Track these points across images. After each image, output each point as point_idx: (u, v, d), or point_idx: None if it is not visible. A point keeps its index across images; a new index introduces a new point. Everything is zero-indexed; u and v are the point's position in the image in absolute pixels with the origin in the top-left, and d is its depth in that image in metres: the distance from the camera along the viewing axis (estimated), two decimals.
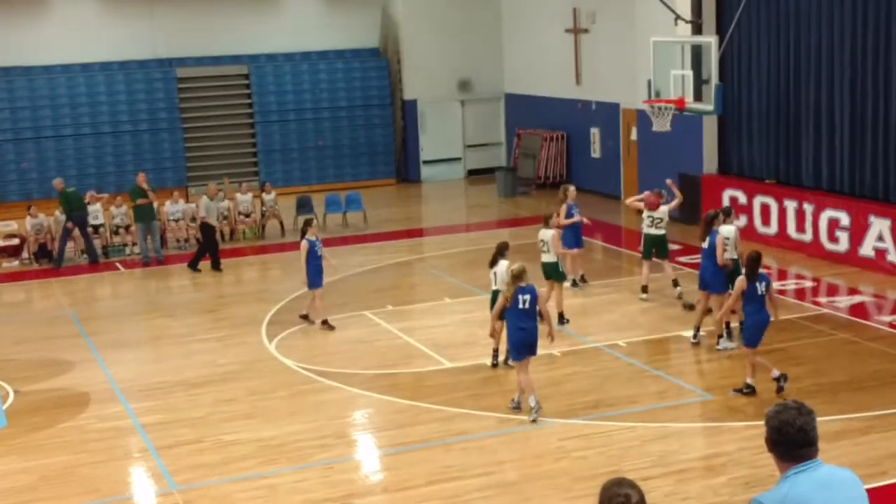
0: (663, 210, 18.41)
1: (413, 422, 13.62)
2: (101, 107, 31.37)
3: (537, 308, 13.46)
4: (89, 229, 24.48)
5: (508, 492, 11.42)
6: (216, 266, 22.91)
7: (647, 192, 18.92)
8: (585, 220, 19.67)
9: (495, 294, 14.92)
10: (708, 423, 13.31)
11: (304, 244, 17.73)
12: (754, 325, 13.83)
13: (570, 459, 12.19)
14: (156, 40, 31.99)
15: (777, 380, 13.88)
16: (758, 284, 13.71)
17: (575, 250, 19.45)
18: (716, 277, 15.86)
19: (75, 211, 23.79)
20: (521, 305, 13.26)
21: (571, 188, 19.73)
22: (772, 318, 13.97)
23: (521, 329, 13.31)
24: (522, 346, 13.38)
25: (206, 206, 23.08)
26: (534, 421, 13.29)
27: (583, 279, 20.00)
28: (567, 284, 18.61)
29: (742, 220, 23.32)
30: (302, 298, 18.94)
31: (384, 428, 13.65)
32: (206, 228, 23.04)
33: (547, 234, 17.19)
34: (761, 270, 13.92)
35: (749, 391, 13.90)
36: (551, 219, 17.65)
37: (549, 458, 12.29)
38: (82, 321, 19.37)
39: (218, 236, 23.77)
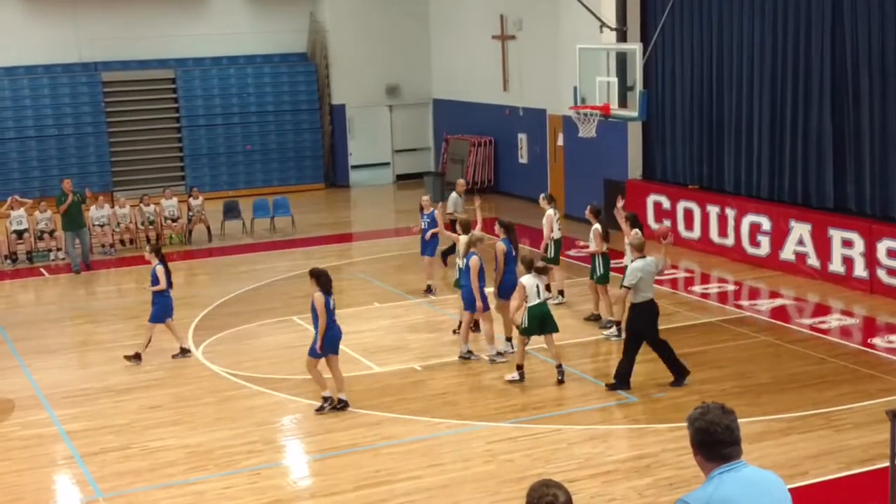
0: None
1: (341, 427, 13.64)
2: (26, 111, 30.97)
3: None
4: (13, 235, 24.21)
5: (437, 496, 11.49)
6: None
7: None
8: (415, 228, 20.42)
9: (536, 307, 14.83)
10: (633, 425, 13.49)
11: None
12: (329, 338, 13.98)
13: (498, 462, 12.29)
14: (81, 44, 31.61)
15: (325, 399, 14.16)
16: (329, 298, 13.98)
17: (426, 258, 20.06)
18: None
19: None
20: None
21: (425, 198, 20.36)
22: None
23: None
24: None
25: (453, 202, 21.83)
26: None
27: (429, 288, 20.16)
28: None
29: (666, 223, 23.67)
30: (227, 304, 18.91)
31: (312, 433, 13.66)
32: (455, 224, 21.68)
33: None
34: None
35: (342, 405, 14.17)
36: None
37: (476, 461, 12.38)
38: (6, 327, 19.11)
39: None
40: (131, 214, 25.97)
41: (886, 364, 15.32)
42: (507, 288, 16.10)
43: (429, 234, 19.75)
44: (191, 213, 26.41)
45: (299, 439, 13.69)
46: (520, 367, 14.99)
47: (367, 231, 27.56)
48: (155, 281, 16.38)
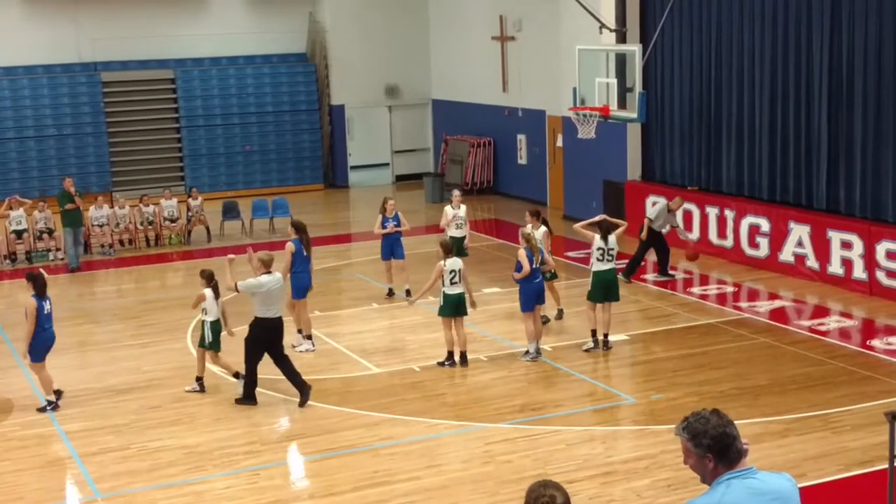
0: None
1: (340, 427, 13.65)
2: (26, 111, 30.97)
3: None
4: (12, 235, 24.21)
5: (435, 496, 11.49)
6: (664, 272, 20.86)
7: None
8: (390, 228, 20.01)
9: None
10: (632, 426, 13.49)
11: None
12: (42, 341, 14.46)
13: (496, 463, 12.30)
14: (81, 44, 31.62)
15: (49, 402, 14.59)
16: (45, 303, 14.45)
17: (391, 261, 20.07)
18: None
19: None
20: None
21: (391, 201, 20.31)
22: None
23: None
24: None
25: (657, 213, 20.88)
26: None
27: (391, 292, 20.18)
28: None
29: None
30: (226, 305, 18.81)
31: (311, 434, 13.66)
32: (653, 235, 20.72)
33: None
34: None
35: (52, 406, 14.62)
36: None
37: (475, 462, 12.39)
38: (5, 327, 19.13)
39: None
40: (130, 215, 25.96)
41: (885, 366, 15.34)
42: (299, 287, 16.75)
43: (403, 229, 20.00)
44: (190, 214, 26.41)
45: (298, 440, 13.68)
46: (199, 378, 15.16)
47: (365, 232, 27.45)
48: None
